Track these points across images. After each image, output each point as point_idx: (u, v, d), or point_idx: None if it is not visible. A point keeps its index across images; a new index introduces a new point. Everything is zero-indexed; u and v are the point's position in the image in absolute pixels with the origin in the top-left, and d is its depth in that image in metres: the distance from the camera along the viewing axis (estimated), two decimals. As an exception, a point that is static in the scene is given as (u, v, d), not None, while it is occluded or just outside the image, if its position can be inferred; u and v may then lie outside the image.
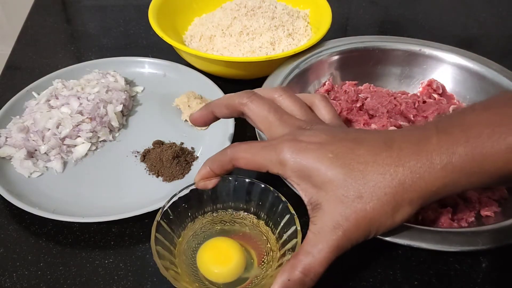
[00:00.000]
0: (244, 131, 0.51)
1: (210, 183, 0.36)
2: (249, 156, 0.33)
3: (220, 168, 0.35)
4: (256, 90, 0.37)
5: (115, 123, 0.49)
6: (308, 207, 0.32)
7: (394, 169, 0.29)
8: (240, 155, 0.34)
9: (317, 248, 0.29)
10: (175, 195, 0.37)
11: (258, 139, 0.41)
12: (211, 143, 0.48)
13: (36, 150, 0.46)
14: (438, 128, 0.30)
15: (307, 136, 0.32)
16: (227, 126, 0.48)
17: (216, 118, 0.39)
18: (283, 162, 0.31)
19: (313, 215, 0.31)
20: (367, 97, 0.49)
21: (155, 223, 0.35)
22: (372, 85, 0.52)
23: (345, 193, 0.29)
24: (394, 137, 0.31)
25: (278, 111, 0.35)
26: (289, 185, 0.35)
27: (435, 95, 0.49)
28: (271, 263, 0.36)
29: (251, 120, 0.36)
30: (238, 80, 0.56)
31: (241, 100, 0.35)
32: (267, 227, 0.38)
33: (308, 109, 0.37)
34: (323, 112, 0.37)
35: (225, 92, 0.52)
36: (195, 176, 0.37)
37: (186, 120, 0.51)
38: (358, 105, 0.48)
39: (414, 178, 0.29)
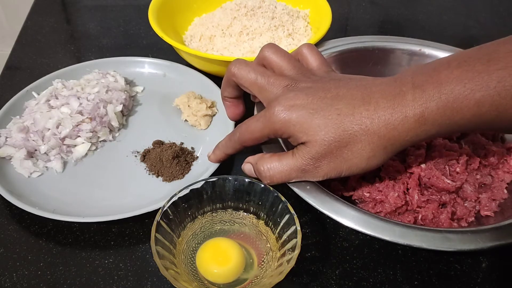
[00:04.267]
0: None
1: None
2: (251, 135, 0.38)
3: (234, 151, 0.41)
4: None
5: (115, 123, 0.49)
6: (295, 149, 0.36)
7: (370, 121, 0.33)
8: (245, 138, 0.38)
9: (288, 162, 0.36)
10: (175, 195, 0.37)
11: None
12: (211, 143, 0.48)
13: (36, 150, 0.46)
14: (414, 84, 0.32)
15: (290, 99, 0.35)
16: (227, 127, 0.48)
17: (235, 102, 0.44)
18: (274, 126, 0.35)
19: (298, 148, 0.36)
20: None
21: (155, 223, 0.35)
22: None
23: (325, 137, 0.33)
24: (372, 92, 0.33)
25: (265, 74, 0.38)
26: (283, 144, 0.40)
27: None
28: (270, 263, 0.36)
29: (243, 87, 0.39)
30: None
31: (230, 70, 0.39)
32: (267, 227, 0.39)
33: (295, 62, 0.40)
34: (311, 60, 0.40)
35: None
36: (210, 155, 0.43)
37: (186, 120, 0.51)
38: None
39: (388, 128, 0.32)
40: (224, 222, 0.39)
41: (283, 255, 0.35)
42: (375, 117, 0.32)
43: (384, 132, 0.33)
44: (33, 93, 0.51)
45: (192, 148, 0.48)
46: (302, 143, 0.35)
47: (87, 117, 0.47)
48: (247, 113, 0.44)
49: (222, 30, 0.58)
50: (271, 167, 0.36)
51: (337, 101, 0.34)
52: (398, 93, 0.32)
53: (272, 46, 0.40)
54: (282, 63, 0.39)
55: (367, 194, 0.40)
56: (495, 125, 0.32)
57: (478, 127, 0.33)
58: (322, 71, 0.39)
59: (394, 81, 0.33)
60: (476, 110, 0.31)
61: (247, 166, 0.40)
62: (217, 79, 0.54)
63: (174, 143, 0.49)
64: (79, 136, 0.47)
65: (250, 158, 0.39)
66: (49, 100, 0.49)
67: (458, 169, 0.41)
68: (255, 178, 0.38)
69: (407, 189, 0.40)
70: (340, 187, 0.42)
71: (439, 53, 0.51)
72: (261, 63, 0.40)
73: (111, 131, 0.50)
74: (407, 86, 0.32)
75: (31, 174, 0.45)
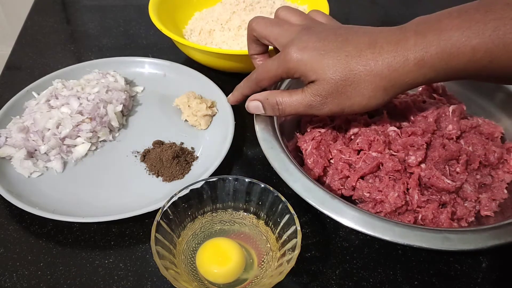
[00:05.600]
0: (244, 131, 0.51)
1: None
2: (267, 74, 0.41)
3: (250, 92, 0.44)
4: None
5: (115, 123, 0.49)
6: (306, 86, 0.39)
7: (374, 63, 0.36)
8: (261, 77, 0.42)
9: (297, 97, 0.39)
10: (175, 195, 0.37)
11: (258, 139, 0.42)
12: (211, 143, 0.48)
13: (36, 150, 0.46)
14: (416, 31, 0.35)
15: (304, 42, 0.38)
16: (227, 126, 0.48)
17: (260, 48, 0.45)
18: (288, 65, 0.38)
19: (307, 86, 0.39)
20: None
21: (155, 223, 0.35)
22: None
23: (333, 76, 0.37)
24: (378, 38, 0.36)
25: (280, 23, 0.41)
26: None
27: (435, 95, 0.49)
28: (270, 263, 0.36)
29: (263, 38, 0.42)
30: (237, 74, 0.56)
31: (250, 25, 0.43)
32: (267, 227, 0.38)
33: (307, 15, 0.43)
34: (319, 18, 0.43)
35: (224, 91, 0.52)
36: (229, 97, 0.47)
37: (186, 120, 0.51)
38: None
39: (390, 70, 0.35)
40: (224, 222, 0.39)
41: (283, 255, 0.35)
42: (379, 59, 0.35)
43: (386, 74, 0.35)
44: (33, 93, 0.51)
45: (192, 148, 0.48)
46: (312, 82, 0.38)
47: (87, 117, 0.47)
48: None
49: (221, 24, 0.59)
50: (283, 100, 0.40)
51: (346, 44, 0.37)
52: (401, 39, 0.35)
53: (285, 7, 0.43)
54: (295, 17, 0.42)
55: (367, 194, 0.40)
56: (488, 72, 0.34)
57: (472, 73, 0.35)
58: (330, 23, 0.43)
59: (398, 29, 0.36)
60: (471, 56, 0.33)
61: (254, 103, 0.43)
62: (216, 79, 0.54)
63: (174, 143, 0.49)
64: (79, 136, 0.47)
65: (257, 95, 0.43)
66: (49, 100, 0.49)
67: (458, 169, 0.41)
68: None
69: (407, 189, 0.40)
70: (340, 187, 0.42)
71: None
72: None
73: (111, 131, 0.50)
74: (410, 32, 0.35)
75: (31, 174, 0.45)
